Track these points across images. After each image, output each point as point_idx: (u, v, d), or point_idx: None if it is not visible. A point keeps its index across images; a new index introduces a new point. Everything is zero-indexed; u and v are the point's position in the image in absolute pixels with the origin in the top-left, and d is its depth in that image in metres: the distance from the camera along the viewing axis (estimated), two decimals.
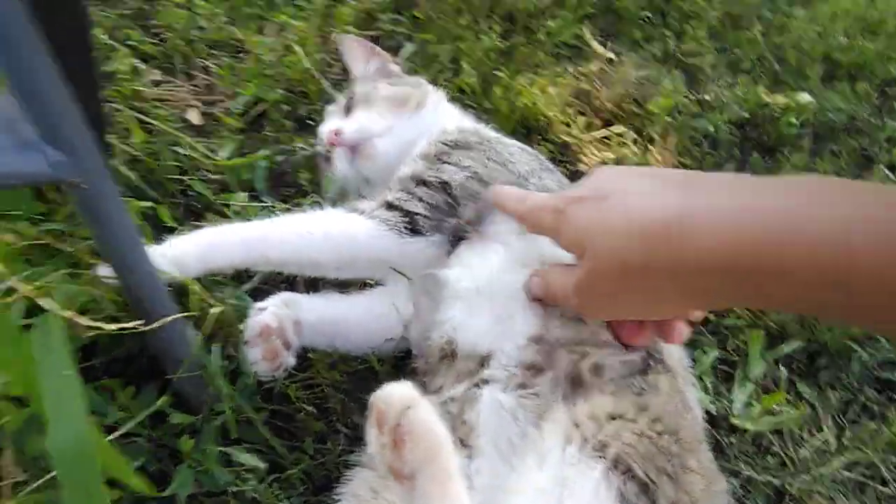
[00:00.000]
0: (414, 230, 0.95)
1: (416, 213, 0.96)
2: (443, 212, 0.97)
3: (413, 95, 1.19)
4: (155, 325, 0.73)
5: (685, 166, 1.52)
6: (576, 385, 0.83)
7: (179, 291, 0.89)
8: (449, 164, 1.01)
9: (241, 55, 1.56)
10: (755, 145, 1.64)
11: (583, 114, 1.58)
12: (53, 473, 0.68)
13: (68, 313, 0.66)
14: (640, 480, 0.71)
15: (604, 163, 1.49)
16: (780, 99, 1.67)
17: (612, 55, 1.77)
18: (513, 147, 1.10)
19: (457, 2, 1.77)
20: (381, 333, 1.02)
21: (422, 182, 0.99)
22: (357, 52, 1.35)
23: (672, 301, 0.66)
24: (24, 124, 0.56)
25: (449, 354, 0.92)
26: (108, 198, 0.62)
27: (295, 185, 1.29)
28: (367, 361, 1.02)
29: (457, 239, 0.97)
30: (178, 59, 1.50)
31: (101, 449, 0.63)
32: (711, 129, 1.58)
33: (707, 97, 1.69)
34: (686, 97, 1.66)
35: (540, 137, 1.51)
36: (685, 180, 0.65)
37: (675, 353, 0.92)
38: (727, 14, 1.95)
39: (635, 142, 1.53)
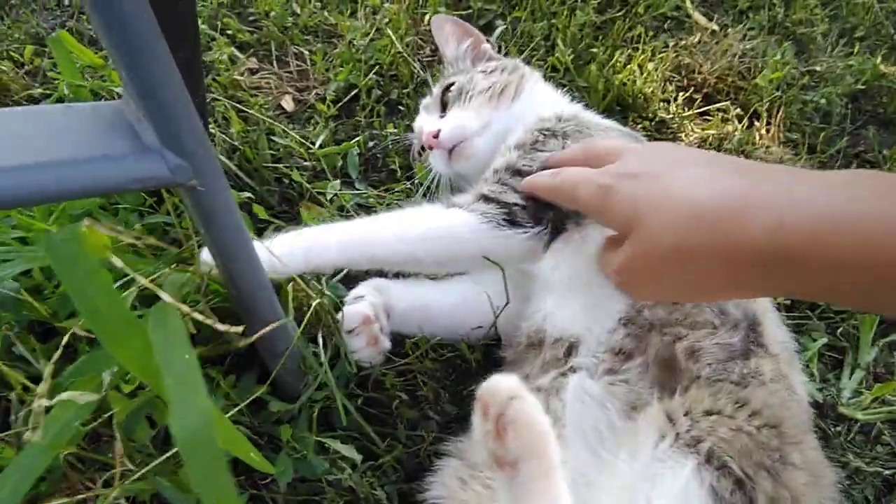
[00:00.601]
0: (513, 222, 0.92)
1: (514, 204, 0.93)
2: (540, 202, 0.94)
3: (510, 84, 1.16)
4: (264, 330, 0.75)
5: (793, 142, 1.43)
6: (669, 370, 0.80)
7: (277, 283, 0.92)
8: (544, 152, 0.99)
9: (333, 40, 1.58)
10: (870, 118, 1.53)
11: (683, 89, 1.52)
12: (158, 461, 0.73)
13: (182, 306, 0.68)
14: (735, 476, 0.69)
15: (703, 140, 1.43)
16: None
17: (715, 27, 1.69)
18: (612, 132, 1.07)
19: None
20: (470, 321, 1.02)
21: (517, 172, 0.96)
22: (450, 33, 1.33)
23: (717, 287, 0.65)
24: (145, 128, 0.57)
25: (536, 343, 0.91)
26: (222, 199, 0.63)
27: (386, 170, 1.30)
28: (458, 350, 1.02)
29: (557, 231, 0.95)
30: (274, 47, 1.53)
31: (223, 428, 0.66)
32: (823, 102, 1.48)
33: (818, 68, 1.58)
34: (795, 69, 1.56)
35: (636, 115, 1.47)
36: (740, 168, 0.64)
37: (778, 336, 0.88)
38: None
39: (739, 118, 1.45)
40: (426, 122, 1.19)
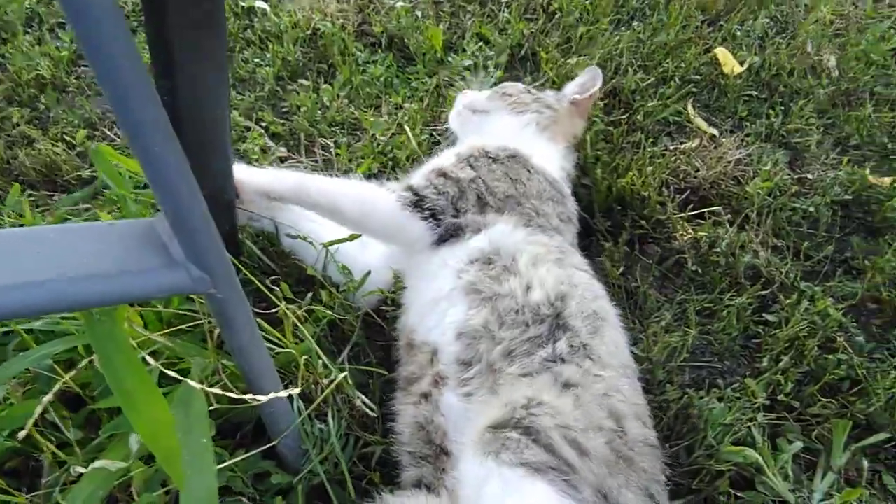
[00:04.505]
0: (418, 207, 1.15)
1: (426, 198, 1.16)
2: (449, 202, 1.16)
3: (525, 104, 1.45)
4: (265, 398, 0.85)
5: (780, 248, 1.52)
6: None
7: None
8: (473, 168, 1.21)
9: (357, 133, 1.71)
10: (859, 225, 1.61)
11: (680, 191, 1.62)
12: None
13: (200, 386, 0.79)
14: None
15: (696, 240, 1.51)
16: (886, 181, 1.63)
17: (714, 131, 1.80)
18: (539, 175, 1.26)
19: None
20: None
21: (442, 174, 1.20)
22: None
23: None
24: (173, 244, 0.68)
25: (409, 344, 1.09)
26: (237, 304, 0.74)
27: None
28: None
29: (449, 235, 1.15)
30: (303, 137, 1.67)
31: None
32: (812, 210, 1.57)
33: (810, 176, 1.68)
34: (788, 176, 1.65)
35: (635, 213, 1.56)
36: None
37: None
38: (837, 90, 1.92)
39: (731, 222, 1.55)
40: None
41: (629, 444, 0.88)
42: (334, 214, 1.20)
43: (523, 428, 0.82)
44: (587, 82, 1.56)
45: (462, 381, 0.96)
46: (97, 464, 0.75)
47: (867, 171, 1.66)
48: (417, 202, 1.15)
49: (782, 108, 1.86)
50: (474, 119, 1.49)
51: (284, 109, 1.76)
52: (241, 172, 1.15)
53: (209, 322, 0.97)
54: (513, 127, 1.42)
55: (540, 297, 1.00)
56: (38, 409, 0.74)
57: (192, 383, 0.73)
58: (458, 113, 1.52)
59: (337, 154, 1.63)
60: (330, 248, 1.22)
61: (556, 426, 0.82)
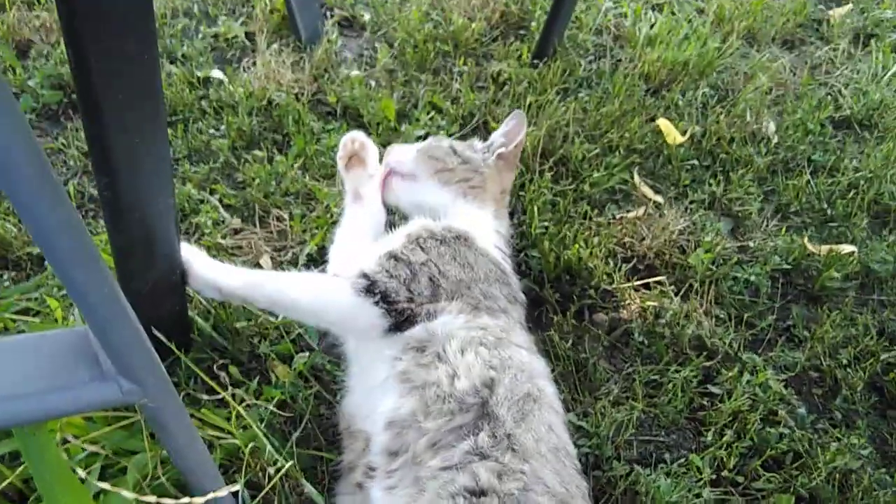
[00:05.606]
0: (371, 292, 1.12)
1: (380, 282, 1.14)
2: (402, 284, 1.14)
3: (457, 173, 1.43)
4: (201, 500, 0.84)
5: (723, 318, 1.56)
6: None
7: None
8: (422, 249, 1.20)
9: (311, 203, 1.73)
10: (800, 293, 1.67)
11: (627, 260, 1.66)
12: None
13: (134, 496, 0.78)
14: None
15: (643, 310, 1.55)
16: (823, 249, 1.70)
17: (660, 199, 1.85)
18: (484, 258, 1.26)
19: None
20: None
21: (394, 257, 1.19)
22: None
23: None
24: (103, 356, 0.69)
25: (348, 429, 1.11)
26: (171, 410, 0.75)
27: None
28: None
29: (403, 323, 1.12)
30: (257, 209, 1.68)
31: None
32: (753, 279, 1.62)
33: (751, 244, 1.74)
34: (728, 246, 1.71)
35: (584, 283, 1.60)
36: None
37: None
38: (776, 158, 2.00)
39: (676, 292, 1.59)
40: None
41: None
42: (289, 310, 1.21)
43: None
44: (511, 131, 1.53)
45: (388, 473, 0.95)
46: None
47: (806, 238, 1.72)
48: (369, 287, 1.13)
49: (724, 176, 1.93)
50: (404, 186, 1.46)
51: (239, 180, 1.77)
52: (195, 262, 1.14)
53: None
54: (443, 200, 1.40)
55: (465, 385, 0.99)
56: None
57: (125, 494, 0.72)
58: (390, 187, 1.48)
59: (291, 226, 1.65)
60: None
61: None
